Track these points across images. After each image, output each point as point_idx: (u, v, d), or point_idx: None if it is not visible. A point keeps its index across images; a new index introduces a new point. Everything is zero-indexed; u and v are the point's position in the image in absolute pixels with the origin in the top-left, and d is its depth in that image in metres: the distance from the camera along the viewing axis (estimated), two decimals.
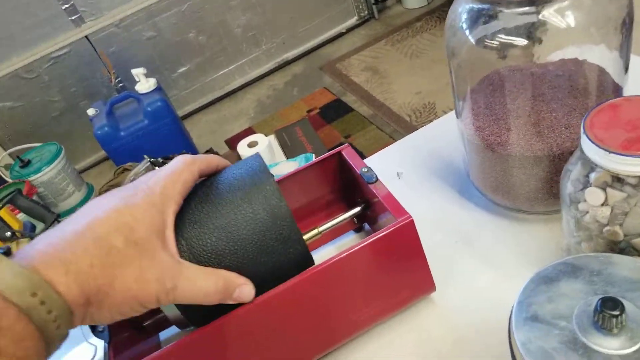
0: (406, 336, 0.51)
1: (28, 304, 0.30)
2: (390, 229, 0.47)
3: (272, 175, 0.46)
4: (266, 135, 2.16)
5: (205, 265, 0.41)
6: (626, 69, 0.51)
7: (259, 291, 0.44)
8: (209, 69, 2.70)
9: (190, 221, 0.42)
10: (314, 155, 1.84)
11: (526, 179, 0.53)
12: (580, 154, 0.42)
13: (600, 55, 0.49)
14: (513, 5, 0.45)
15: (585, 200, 0.42)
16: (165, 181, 0.40)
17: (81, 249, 0.33)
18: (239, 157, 1.97)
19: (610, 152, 0.38)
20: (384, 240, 0.47)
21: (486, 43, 0.49)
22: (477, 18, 0.49)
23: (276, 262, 0.44)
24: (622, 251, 0.41)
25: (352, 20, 2.92)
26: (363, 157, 0.65)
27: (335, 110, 2.33)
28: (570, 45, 0.48)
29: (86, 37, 2.42)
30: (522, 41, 0.47)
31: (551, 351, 0.33)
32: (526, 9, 0.45)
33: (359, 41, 2.79)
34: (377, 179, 0.52)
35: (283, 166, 1.84)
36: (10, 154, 2.24)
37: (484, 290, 0.53)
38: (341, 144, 2.13)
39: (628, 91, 0.53)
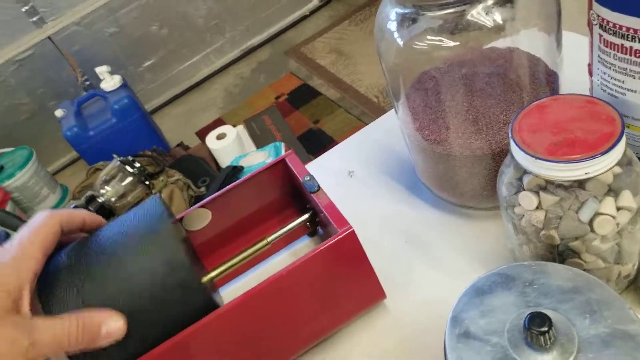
0: (359, 346, 0.51)
1: None
2: (332, 241, 0.46)
3: (169, 220, 0.45)
4: (235, 126, 2.14)
5: None
6: (559, 50, 0.50)
7: (161, 339, 0.43)
8: (174, 61, 2.66)
9: (83, 274, 0.42)
10: (283, 144, 1.83)
11: (469, 177, 0.53)
12: (512, 158, 0.41)
13: (532, 41, 0.49)
14: (436, 8, 0.44)
15: (520, 204, 0.41)
16: (22, 240, 0.40)
17: None
18: (208, 150, 1.95)
19: (537, 158, 0.38)
20: (326, 253, 0.46)
21: (415, 46, 0.48)
22: (403, 21, 0.47)
23: (176, 310, 0.44)
24: (561, 254, 0.41)
25: (314, 2, 2.88)
26: (332, 142, 0.64)
27: (303, 96, 2.31)
28: (500, 38, 0.47)
29: (49, 37, 2.37)
30: (450, 42, 0.46)
31: None
32: (450, 10, 0.44)
33: (323, 23, 2.76)
34: (319, 188, 0.51)
35: (253, 157, 1.82)
36: None
37: (435, 293, 0.52)
38: (310, 130, 2.10)
39: (564, 74, 0.52)
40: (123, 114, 2.13)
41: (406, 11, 0.47)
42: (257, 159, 1.78)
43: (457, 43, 0.47)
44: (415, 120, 0.53)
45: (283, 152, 1.78)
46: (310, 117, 2.17)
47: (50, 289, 0.42)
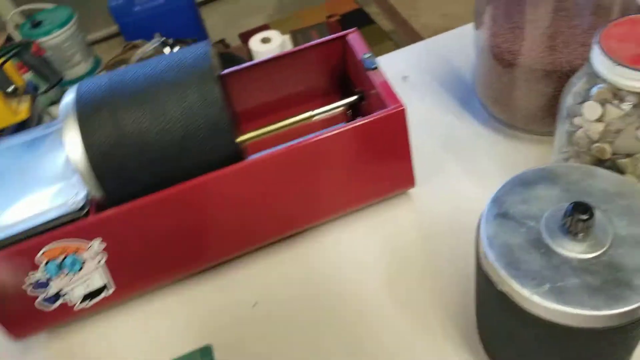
0: (380, 227, 0.52)
1: None
2: (381, 115, 0.46)
3: (211, 60, 0.46)
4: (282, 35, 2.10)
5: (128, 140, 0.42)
6: None
7: (182, 178, 0.44)
8: None
9: (120, 99, 0.43)
10: None
11: (529, 93, 0.52)
12: (588, 68, 0.40)
13: None
14: None
15: (581, 115, 0.41)
16: None
17: None
18: (249, 53, 1.93)
19: (618, 64, 0.37)
20: (373, 125, 0.47)
21: None
22: None
23: (202, 149, 0.44)
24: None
25: None
26: None
27: (355, 20, 2.25)
28: None
29: None
30: None
31: (514, 247, 0.33)
32: None
33: None
34: (377, 67, 0.51)
35: None
36: (22, 12, 2.18)
37: (462, 195, 0.53)
38: None
39: None
40: None
41: None
42: None
43: None
44: (494, 26, 0.52)
45: None
46: None
47: (87, 107, 0.42)
